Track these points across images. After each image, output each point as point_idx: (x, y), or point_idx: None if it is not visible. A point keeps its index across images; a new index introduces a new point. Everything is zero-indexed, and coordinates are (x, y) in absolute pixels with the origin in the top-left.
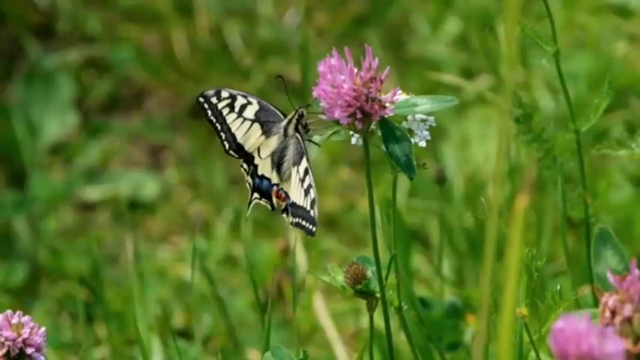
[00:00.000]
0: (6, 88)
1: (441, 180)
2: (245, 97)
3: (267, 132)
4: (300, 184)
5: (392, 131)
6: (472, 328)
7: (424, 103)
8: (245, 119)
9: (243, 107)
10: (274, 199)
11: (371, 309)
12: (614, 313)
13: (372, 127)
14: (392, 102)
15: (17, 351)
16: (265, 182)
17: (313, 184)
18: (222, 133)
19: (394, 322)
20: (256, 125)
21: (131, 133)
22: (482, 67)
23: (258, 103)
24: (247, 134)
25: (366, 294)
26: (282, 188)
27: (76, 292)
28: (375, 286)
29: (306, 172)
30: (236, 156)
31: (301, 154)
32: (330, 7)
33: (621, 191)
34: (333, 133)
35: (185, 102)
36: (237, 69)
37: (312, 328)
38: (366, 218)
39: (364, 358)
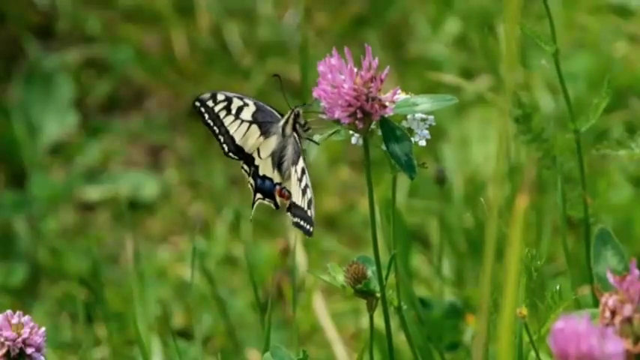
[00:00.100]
0: (6, 88)
1: (441, 180)
2: (241, 98)
3: (265, 133)
4: (298, 183)
5: (392, 131)
6: (472, 328)
7: (424, 103)
8: (243, 121)
9: (240, 109)
10: (278, 199)
11: (371, 309)
12: (614, 313)
13: (373, 126)
14: (392, 101)
15: (17, 351)
16: (267, 182)
17: (310, 184)
18: (220, 136)
19: (394, 322)
20: (254, 126)
21: (131, 133)
22: (482, 67)
23: (255, 104)
24: (246, 136)
25: (366, 294)
26: (284, 187)
27: (76, 292)
28: (375, 285)
29: (303, 171)
30: (236, 158)
31: (299, 153)
32: (330, 7)
33: (621, 191)
34: (333, 133)
35: (185, 102)
36: (237, 69)
37: (312, 328)
38: (366, 218)
39: (364, 358)
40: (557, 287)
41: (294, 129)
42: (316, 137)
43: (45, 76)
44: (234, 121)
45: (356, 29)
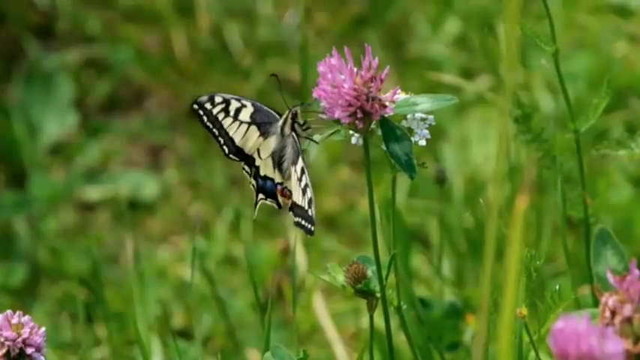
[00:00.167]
0: (6, 88)
1: (441, 180)
2: (239, 100)
3: (264, 133)
4: (298, 183)
5: (392, 130)
6: (472, 328)
7: (424, 102)
8: (241, 122)
9: (238, 111)
10: (280, 198)
11: (371, 309)
12: (614, 313)
13: (373, 126)
14: (392, 101)
15: (17, 351)
16: (269, 182)
17: (309, 184)
18: (220, 138)
19: (394, 322)
20: (253, 127)
21: (131, 133)
22: (482, 67)
23: (253, 105)
24: (245, 137)
25: (366, 293)
26: (286, 187)
27: (76, 292)
28: (375, 285)
29: (302, 171)
30: (237, 159)
31: (298, 153)
32: (330, 7)
33: (621, 191)
34: (333, 133)
35: (185, 102)
36: (237, 69)
37: (312, 328)
38: (366, 218)
39: (364, 358)
40: (557, 287)
41: (292, 129)
42: (316, 137)
43: (45, 76)
44: (232, 122)
45: (356, 29)
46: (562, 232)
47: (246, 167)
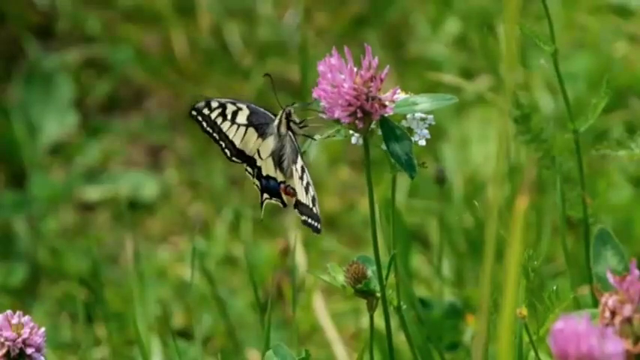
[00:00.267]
0: (6, 88)
1: (441, 180)
2: (234, 103)
3: (262, 134)
4: (300, 181)
5: (392, 130)
6: (472, 329)
7: (424, 102)
8: (239, 125)
9: (234, 114)
10: (284, 197)
11: (371, 309)
12: (614, 313)
13: (372, 126)
14: (392, 101)
15: (17, 351)
16: (272, 182)
17: (311, 182)
18: (221, 142)
19: (394, 322)
20: (251, 129)
21: (131, 133)
22: (482, 67)
23: (248, 107)
24: (245, 139)
25: (366, 293)
26: (289, 185)
27: (76, 292)
28: (375, 285)
29: (303, 169)
30: (239, 161)
31: (296, 152)
32: (330, 7)
33: (621, 191)
34: (333, 133)
35: (185, 102)
36: (237, 69)
37: (311, 328)
38: (366, 218)
39: (364, 358)
40: (556, 287)
41: (288, 128)
42: (316, 136)
43: (45, 76)
44: (231, 126)
45: (356, 29)
46: (561, 232)
47: (249, 168)
